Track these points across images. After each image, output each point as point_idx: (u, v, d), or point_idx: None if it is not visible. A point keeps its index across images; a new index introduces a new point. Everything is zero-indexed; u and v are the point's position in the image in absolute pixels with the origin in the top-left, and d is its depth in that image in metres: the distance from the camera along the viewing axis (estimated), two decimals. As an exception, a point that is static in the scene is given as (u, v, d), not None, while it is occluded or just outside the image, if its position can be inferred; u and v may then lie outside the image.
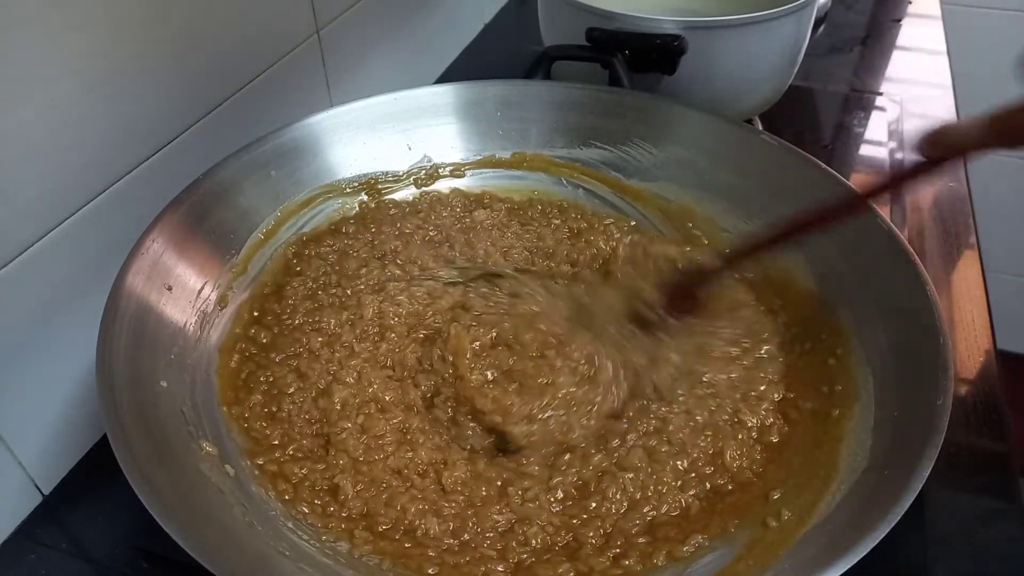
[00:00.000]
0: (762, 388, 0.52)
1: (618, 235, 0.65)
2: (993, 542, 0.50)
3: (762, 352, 0.55)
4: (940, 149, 0.42)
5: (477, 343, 0.55)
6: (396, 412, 0.52)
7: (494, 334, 0.56)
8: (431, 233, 0.65)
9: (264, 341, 0.56)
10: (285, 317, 0.57)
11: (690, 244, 0.64)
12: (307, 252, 0.63)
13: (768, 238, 0.52)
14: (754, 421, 0.50)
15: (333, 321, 0.56)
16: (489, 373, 0.53)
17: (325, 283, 0.60)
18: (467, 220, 0.67)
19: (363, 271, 0.61)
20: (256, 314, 0.58)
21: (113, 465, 0.38)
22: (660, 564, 0.43)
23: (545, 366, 0.53)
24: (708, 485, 0.48)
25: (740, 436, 0.50)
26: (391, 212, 0.67)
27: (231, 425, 0.50)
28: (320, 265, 0.61)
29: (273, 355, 0.55)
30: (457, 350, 0.54)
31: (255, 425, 0.50)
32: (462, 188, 0.70)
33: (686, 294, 0.55)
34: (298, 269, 0.61)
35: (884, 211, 0.66)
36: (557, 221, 0.67)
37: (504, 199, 0.69)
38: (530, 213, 0.68)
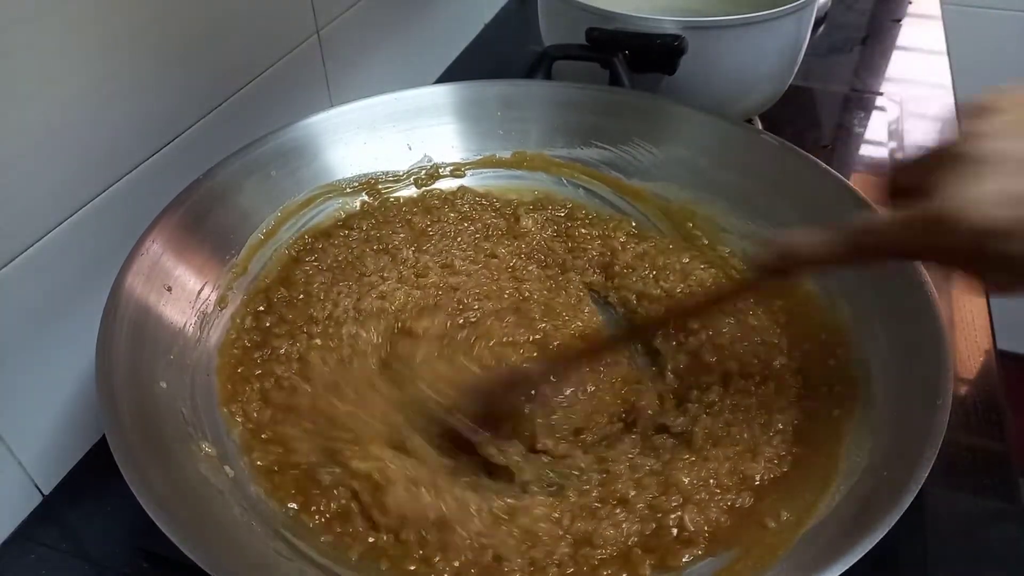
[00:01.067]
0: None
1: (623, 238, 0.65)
2: (993, 542, 0.50)
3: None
4: (787, 261, 0.41)
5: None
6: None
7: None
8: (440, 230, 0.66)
9: (264, 339, 0.56)
10: (286, 315, 0.57)
11: (690, 245, 0.64)
12: (311, 248, 0.63)
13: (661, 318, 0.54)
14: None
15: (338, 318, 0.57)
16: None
17: (329, 280, 0.60)
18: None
19: (368, 268, 0.61)
20: (256, 313, 0.57)
21: (113, 465, 0.38)
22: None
23: None
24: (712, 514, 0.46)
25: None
26: (395, 210, 0.67)
27: (231, 425, 0.50)
28: (324, 261, 0.61)
29: (273, 352, 0.55)
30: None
31: (252, 415, 0.51)
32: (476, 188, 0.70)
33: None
34: (299, 269, 0.61)
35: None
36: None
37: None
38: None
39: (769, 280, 0.45)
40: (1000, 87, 0.35)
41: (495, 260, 0.64)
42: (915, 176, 0.36)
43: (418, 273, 0.62)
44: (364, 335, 0.56)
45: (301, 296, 0.59)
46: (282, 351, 0.55)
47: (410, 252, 0.63)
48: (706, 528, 0.45)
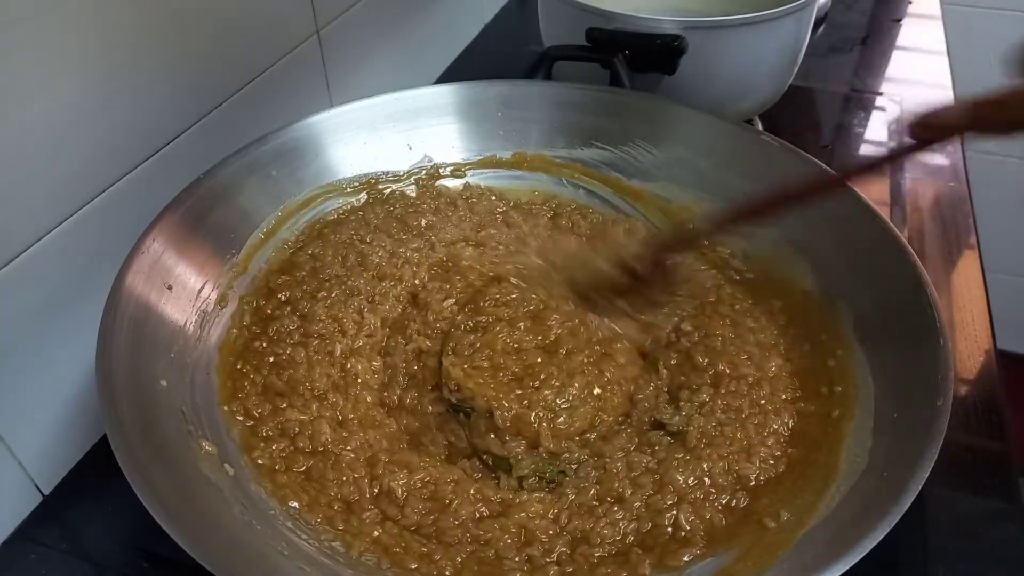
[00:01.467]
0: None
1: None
2: (993, 542, 0.50)
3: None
4: (929, 132, 0.43)
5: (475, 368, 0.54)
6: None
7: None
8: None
9: (264, 337, 0.56)
10: (287, 313, 0.57)
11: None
12: (318, 235, 0.63)
13: (745, 210, 0.52)
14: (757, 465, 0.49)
15: (337, 315, 0.57)
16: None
17: (329, 276, 0.60)
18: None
19: (366, 263, 0.61)
20: (256, 312, 0.57)
21: (113, 465, 0.38)
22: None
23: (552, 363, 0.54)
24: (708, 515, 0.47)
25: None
26: (393, 207, 0.67)
27: (231, 424, 0.50)
28: (324, 257, 0.61)
29: (274, 349, 0.55)
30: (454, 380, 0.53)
31: (253, 410, 0.51)
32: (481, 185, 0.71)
33: (657, 265, 0.54)
34: (303, 255, 0.61)
35: (884, 211, 0.66)
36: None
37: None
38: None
39: (904, 155, 0.48)
40: None
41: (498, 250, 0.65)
42: None
43: (422, 257, 0.63)
44: (372, 315, 0.57)
45: (305, 276, 0.59)
46: (285, 330, 0.55)
47: (414, 241, 0.64)
48: (702, 528, 0.45)
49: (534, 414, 0.51)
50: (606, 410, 0.52)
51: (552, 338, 0.56)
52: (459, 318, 0.58)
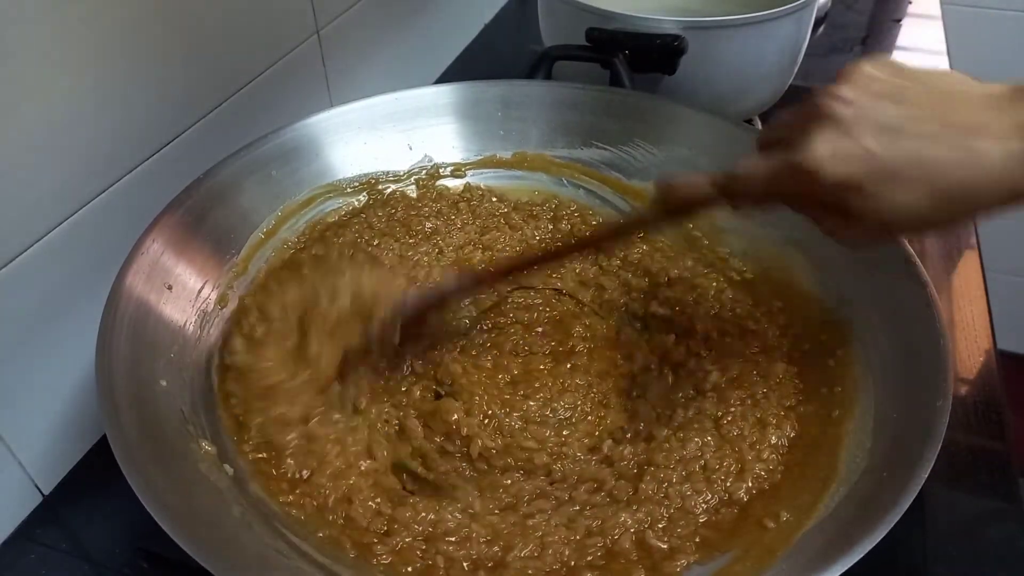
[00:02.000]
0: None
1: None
2: (993, 542, 0.50)
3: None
4: (673, 204, 0.45)
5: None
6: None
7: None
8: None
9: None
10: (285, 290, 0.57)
11: (690, 246, 0.64)
12: (316, 245, 0.62)
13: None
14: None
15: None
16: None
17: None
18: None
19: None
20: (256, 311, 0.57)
21: (113, 465, 0.38)
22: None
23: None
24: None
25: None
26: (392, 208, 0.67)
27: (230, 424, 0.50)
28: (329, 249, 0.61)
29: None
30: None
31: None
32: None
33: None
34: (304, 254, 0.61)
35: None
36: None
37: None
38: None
39: (659, 220, 0.48)
40: (874, 57, 0.39)
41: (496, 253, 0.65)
42: (785, 130, 0.40)
43: (432, 260, 0.63)
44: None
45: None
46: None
47: (422, 245, 0.64)
48: (684, 542, 0.44)
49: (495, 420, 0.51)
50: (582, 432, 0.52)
51: (569, 345, 0.56)
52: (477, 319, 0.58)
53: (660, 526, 0.45)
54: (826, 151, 0.36)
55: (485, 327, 0.58)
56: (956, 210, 0.36)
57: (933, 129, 0.35)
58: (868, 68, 0.37)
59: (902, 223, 0.37)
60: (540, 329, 0.57)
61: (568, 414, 0.53)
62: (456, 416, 0.51)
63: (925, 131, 0.35)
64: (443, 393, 0.53)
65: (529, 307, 0.60)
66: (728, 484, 0.47)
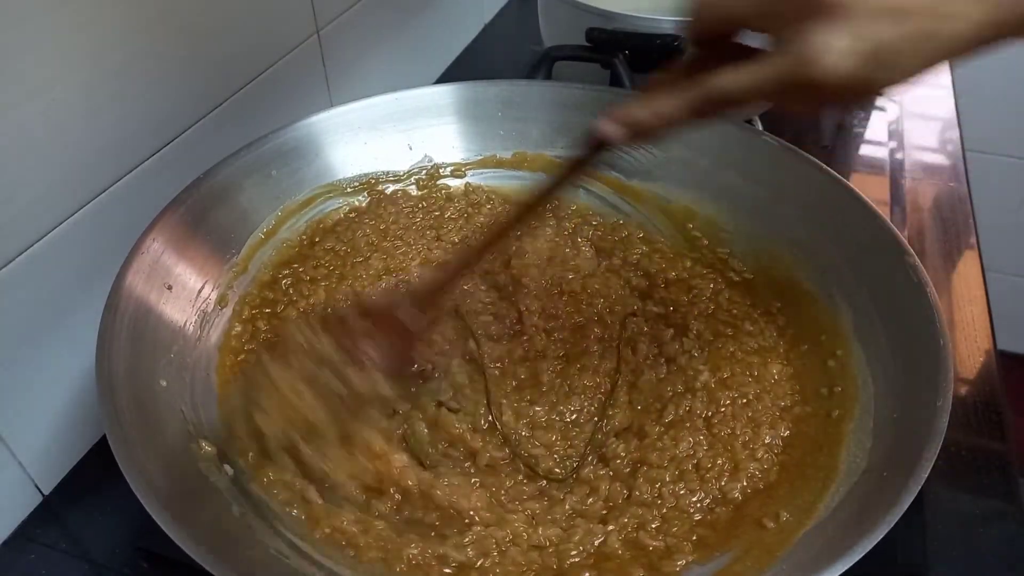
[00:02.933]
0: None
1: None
2: (993, 542, 0.50)
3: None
4: (632, 132, 0.42)
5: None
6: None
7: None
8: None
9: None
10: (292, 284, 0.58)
11: (690, 246, 0.64)
12: (324, 234, 0.63)
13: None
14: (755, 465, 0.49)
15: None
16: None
17: (327, 274, 0.60)
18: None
19: (365, 261, 0.62)
20: (256, 311, 0.57)
21: (113, 465, 0.38)
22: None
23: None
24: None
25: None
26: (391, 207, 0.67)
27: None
28: (324, 255, 0.62)
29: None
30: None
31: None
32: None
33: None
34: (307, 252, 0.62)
35: (884, 211, 0.66)
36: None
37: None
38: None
39: (595, 157, 0.43)
40: None
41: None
42: (757, 22, 0.34)
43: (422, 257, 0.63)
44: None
45: (313, 267, 0.60)
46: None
47: (410, 241, 0.64)
48: (680, 541, 0.44)
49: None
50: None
51: (582, 347, 0.56)
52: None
53: (654, 525, 0.45)
54: (842, 47, 0.31)
55: (492, 334, 0.58)
56: (938, 59, 0.32)
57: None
58: None
59: (883, 90, 0.33)
60: (557, 335, 0.57)
61: (574, 416, 0.53)
62: (460, 430, 0.51)
63: (926, 3, 0.31)
64: (449, 408, 0.53)
65: (530, 309, 0.60)
66: (722, 483, 0.47)
